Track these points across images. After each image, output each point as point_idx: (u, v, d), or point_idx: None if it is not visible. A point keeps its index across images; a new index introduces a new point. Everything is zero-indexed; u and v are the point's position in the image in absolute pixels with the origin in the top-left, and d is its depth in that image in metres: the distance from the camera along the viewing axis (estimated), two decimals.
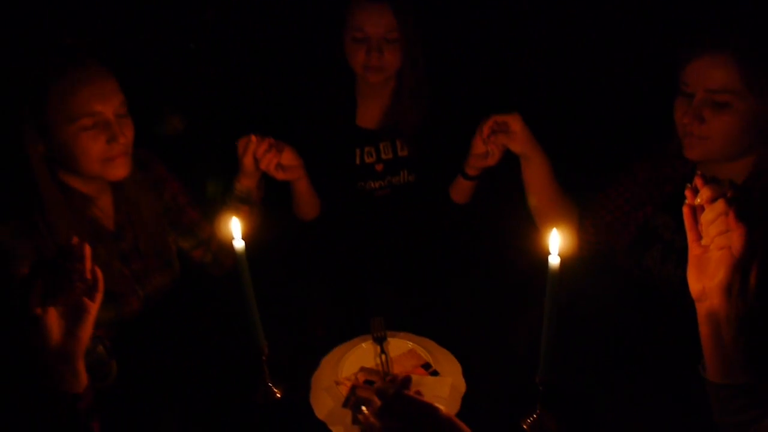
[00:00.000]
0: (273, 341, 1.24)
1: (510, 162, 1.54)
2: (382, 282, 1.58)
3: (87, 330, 0.97)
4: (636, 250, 1.45)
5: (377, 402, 0.90)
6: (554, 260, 0.98)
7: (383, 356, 1.27)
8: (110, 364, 1.19)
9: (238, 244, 1.11)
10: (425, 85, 1.71)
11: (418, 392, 0.92)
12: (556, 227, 0.99)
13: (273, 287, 1.52)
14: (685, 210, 0.99)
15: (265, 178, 1.59)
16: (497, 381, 1.25)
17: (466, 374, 1.25)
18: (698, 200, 0.97)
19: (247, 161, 1.50)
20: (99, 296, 1.00)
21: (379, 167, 1.82)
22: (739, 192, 0.94)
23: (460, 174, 1.66)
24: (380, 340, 1.31)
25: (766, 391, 0.90)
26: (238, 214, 1.54)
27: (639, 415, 1.15)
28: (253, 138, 1.47)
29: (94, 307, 0.98)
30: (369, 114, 1.79)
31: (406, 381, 0.90)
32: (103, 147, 1.29)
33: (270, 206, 1.66)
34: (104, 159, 1.30)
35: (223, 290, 1.51)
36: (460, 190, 1.70)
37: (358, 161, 1.80)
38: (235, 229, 1.11)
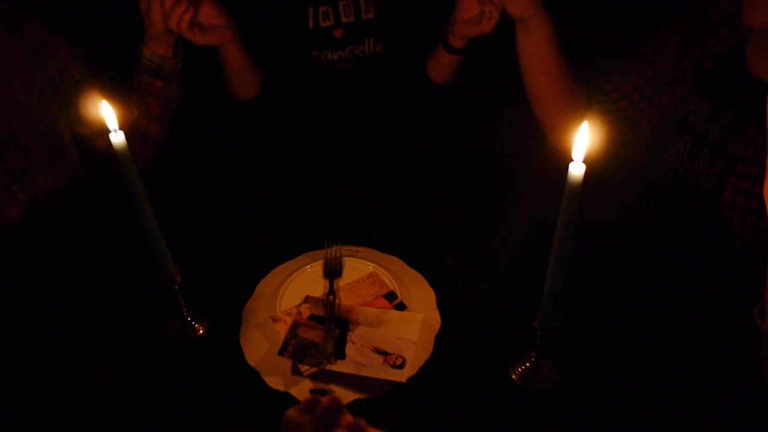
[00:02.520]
0: (195, 265, 0.95)
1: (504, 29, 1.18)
2: (340, 181, 1.27)
3: None
4: (658, 143, 1.15)
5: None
6: (577, 169, 0.67)
7: (331, 299, 0.97)
8: None
9: (116, 137, 0.77)
10: None
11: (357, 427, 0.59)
12: (587, 121, 0.66)
13: (197, 189, 1.20)
14: None
15: (186, 44, 1.22)
16: (481, 316, 0.98)
17: (442, 306, 0.98)
18: None
19: (155, 18, 1.12)
20: None
21: (338, 33, 1.44)
22: None
23: (441, 45, 1.30)
24: (332, 275, 1.01)
25: None
26: (149, 90, 1.21)
27: (655, 367, 0.90)
28: None
29: None
30: None
31: (334, 410, 0.56)
32: None
33: (194, 80, 1.30)
34: None
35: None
36: (441, 66, 1.35)
37: (311, 25, 1.42)
38: (107, 116, 0.76)
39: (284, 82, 1.45)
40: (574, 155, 0.66)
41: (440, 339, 0.93)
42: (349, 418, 0.54)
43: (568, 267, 0.76)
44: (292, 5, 1.40)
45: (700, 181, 1.09)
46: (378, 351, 0.89)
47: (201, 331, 0.97)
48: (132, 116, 1.22)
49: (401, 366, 0.87)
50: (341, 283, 1.00)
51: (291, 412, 0.55)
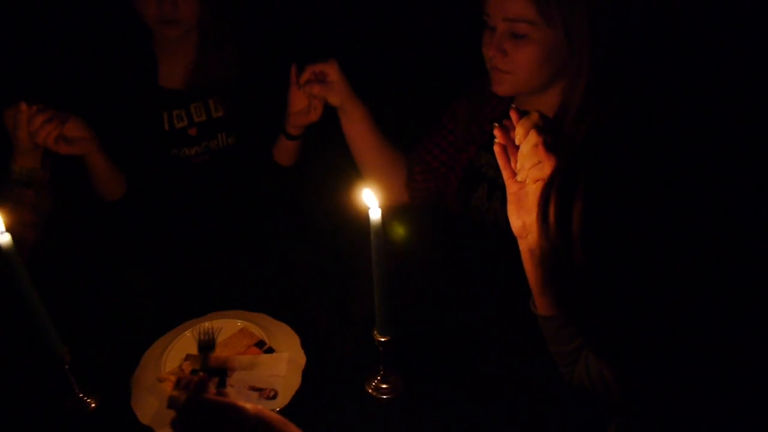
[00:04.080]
0: (82, 343, 1.07)
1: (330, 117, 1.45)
2: (207, 257, 1.44)
3: None
4: (464, 192, 1.45)
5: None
6: (375, 214, 0.91)
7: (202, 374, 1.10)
8: None
9: (3, 238, 0.91)
10: (230, 34, 1.55)
11: (222, 392, 0.81)
12: (367, 185, 0.92)
13: (77, 280, 1.33)
14: (497, 149, 0.98)
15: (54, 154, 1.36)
16: (339, 348, 1.18)
17: (306, 345, 1.17)
18: (517, 140, 0.96)
19: (21, 136, 1.26)
20: None
21: (192, 131, 1.63)
22: (549, 122, 0.94)
23: (281, 133, 1.54)
24: (206, 350, 1.15)
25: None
26: (21, 201, 1.32)
27: (485, 362, 1.15)
28: (23, 107, 1.23)
29: None
30: (173, 72, 1.59)
31: (202, 383, 0.78)
32: None
33: (64, 185, 1.43)
34: None
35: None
36: (284, 151, 1.58)
37: (167, 126, 1.61)
38: None
39: (149, 177, 1.61)
40: (370, 205, 0.91)
41: (307, 372, 1.12)
42: (213, 389, 0.72)
43: (389, 291, 0.99)
44: (147, 112, 1.58)
45: (497, 216, 1.39)
46: (253, 389, 1.06)
47: (93, 405, 1.08)
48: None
49: (274, 397, 1.04)
50: (219, 338, 1.17)
51: (172, 393, 0.72)
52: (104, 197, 1.52)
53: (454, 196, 1.48)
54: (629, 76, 1.23)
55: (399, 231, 1.36)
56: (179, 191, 1.66)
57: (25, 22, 1.73)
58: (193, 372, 1.10)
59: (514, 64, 1.22)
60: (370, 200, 0.91)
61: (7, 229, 0.92)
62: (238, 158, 1.67)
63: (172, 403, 0.80)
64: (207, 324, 1.18)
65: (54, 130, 1.27)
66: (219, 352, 1.13)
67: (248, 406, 0.72)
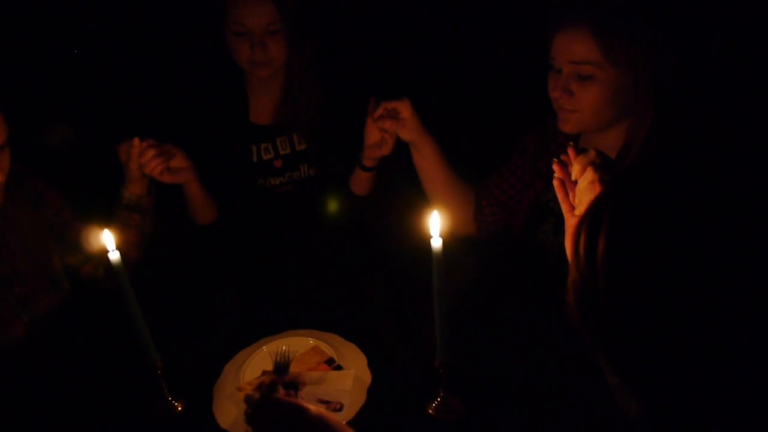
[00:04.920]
0: (173, 352, 1.20)
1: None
2: (286, 279, 1.55)
3: None
4: (530, 226, 1.49)
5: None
6: (436, 242, 0.98)
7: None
8: None
9: (113, 255, 1.06)
10: (315, 75, 1.69)
11: (290, 393, 0.91)
12: (436, 210, 0.99)
13: (172, 295, 1.48)
14: (556, 183, 1.02)
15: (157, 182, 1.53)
16: (403, 370, 1.25)
17: (373, 366, 1.25)
18: (573, 175, 1.00)
19: (132, 167, 1.43)
20: None
21: (277, 163, 1.78)
22: (606, 159, 0.98)
23: (357, 166, 1.65)
24: (280, 372, 1.23)
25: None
26: (128, 224, 1.49)
27: (543, 388, 1.18)
28: (136, 142, 1.41)
29: None
30: (262, 109, 1.75)
31: (273, 385, 0.88)
32: None
33: (166, 211, 1.60)
34: None
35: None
36: (359, 182, 1.69)
37: (255, 159, 1.76)
38: (107, 240, 1.06)
39: (238, 205, 1.77)
40: (432, 234, 0.99)
41: (372, 390, 1.19)
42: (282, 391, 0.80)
43: (449, 317, 1.05)
44: (238, 145, 1.74)
45: (562, 250, 1.42)
46: (321, 401, 1.14)
47: (180, 408, 1.20)
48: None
49: (340, 410, 1.12)
50: (292, 356, 1.26)
51: (249, 392, 0.81)
52: (198, 221, 1.68)
53: (520, 229, 1.52)
54: (692, 113, 1.25)
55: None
56: (264, 218, 1.81)
57: (136, 70, 1.97)
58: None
59: (580, 103, 1.27)
60: (433, 228, 0.98)
61: (117, 248, 1.06)
62: (318, 188, 1.79)
63: (248, 400, 0.90)
64: (284, 347, 1.28)
65: (161, 163, 1.43)
66: (292, 368, 1.23)
67: (311, 406, 0.80)
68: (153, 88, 1.93)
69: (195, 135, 1.68)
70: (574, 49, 1.23)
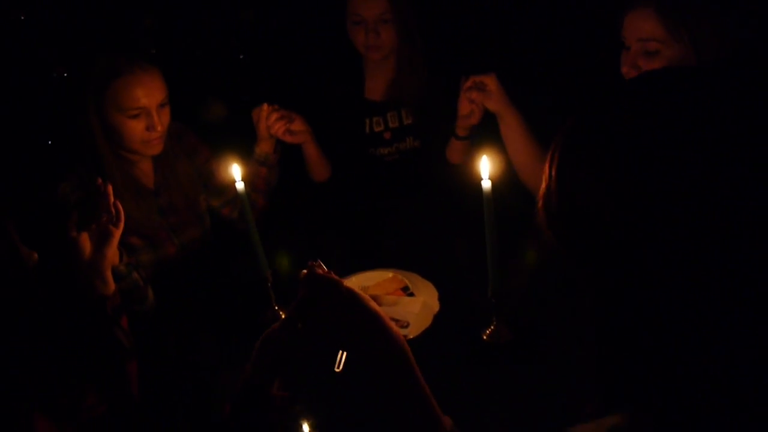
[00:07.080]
0: (281, 272, 1.49)
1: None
2: (386, 234, 1.79)
3: (111, 248, 1.27)
4: None
5: None
6: (486, 184, 1.17)
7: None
8: (145, 289, 1.46)
9: (239, 185, 1.36)
10: (422, 58, 1.91)
11: (330, 270, 1.07)
12: (486, 154, 1.17)
13: (287, 232, 1.78)
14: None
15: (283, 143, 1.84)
16: (468, 302, 1.44)
17: (443, 299, 1.44)
18: None
19: (262, 127, 1.76)
20: (121, 224, 1.29)
21: (387, 135, 2.03)
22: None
23: (452, 135, 1.85)
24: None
25: None
26: (258, 174, 1.83)
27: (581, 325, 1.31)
28: (265, 106, 1.72)
29: (117, 232, 1.28)
30: (375, 87, 2.00)
31: (318, 264, 1.03)
32: (143, 132, 1.58)
33: (288, 168, 1.92)
34: (142, 141, 1.59)
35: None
36: (454, 151, 1.89)
37: (367, 130, 2.02)
38: (235, 173, 1.36)
39: (351, 171, 2.04)
40: (483, 176, 1.17)
41: (438, 317, 1.40)
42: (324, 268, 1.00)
43: (500, 253, 1.22)
44: (354, 118, 2.02)
45: None
46: (393, 319, 1.37)
47: (284, 316, 1.48)
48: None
49: (406, 326, 1.34)
50: (373, 282, 1.50)
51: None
52: (314, 178, 1.98)
53: None
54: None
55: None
56: (373, 183, 2.06)
57: (273, 52, 2.34)
58: None
59: None
60: (483, 171, 1.17)
61: (242, 179, 1.36)
62: (422, 158, 2.02)
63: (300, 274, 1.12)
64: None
65: (284, 125, 1.74)
66: (372, 291, 1.46)
67: (345, 282, 0.97)
68: (287, 72, 2.28)
69: (318, 107, 1.98)
70: (641, 26, 1.34)
